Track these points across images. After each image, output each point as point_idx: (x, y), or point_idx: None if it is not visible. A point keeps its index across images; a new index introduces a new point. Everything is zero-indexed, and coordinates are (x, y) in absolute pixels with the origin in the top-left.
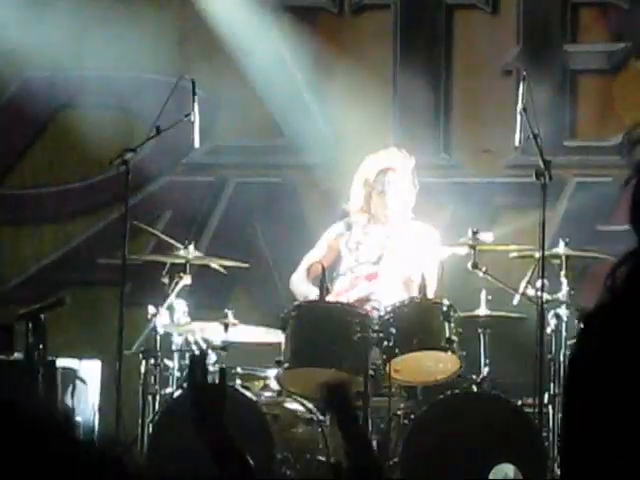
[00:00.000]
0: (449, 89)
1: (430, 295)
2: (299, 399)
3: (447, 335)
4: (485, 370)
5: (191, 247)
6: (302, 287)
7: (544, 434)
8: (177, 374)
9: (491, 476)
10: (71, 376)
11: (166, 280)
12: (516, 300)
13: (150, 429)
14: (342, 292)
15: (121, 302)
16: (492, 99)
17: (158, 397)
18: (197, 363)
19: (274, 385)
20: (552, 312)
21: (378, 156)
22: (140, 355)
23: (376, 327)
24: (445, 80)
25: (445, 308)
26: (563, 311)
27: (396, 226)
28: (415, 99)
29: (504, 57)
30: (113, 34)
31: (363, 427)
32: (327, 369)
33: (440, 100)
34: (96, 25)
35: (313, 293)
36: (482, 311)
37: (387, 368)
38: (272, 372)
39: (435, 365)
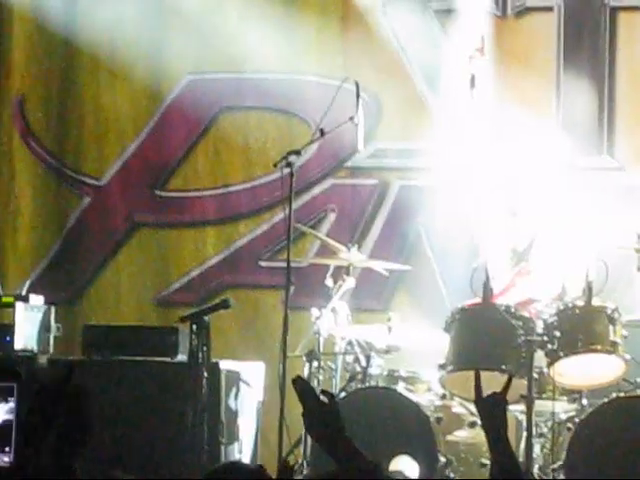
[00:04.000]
0: (612, 90)
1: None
2: (462, 402)
3: (611, 338)
4: None
5: (354, 250)
6: None
7: None
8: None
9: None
10: (235, 378)
11: (330, 283)
12: None
13: None
14: (500, 294)
15: (286, 304)
16: None
17: None
18: (306, 392)
19: (437, 388)
20: None
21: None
22: (303, 357)
23: (540, 330)
24: (609, 81)
25: (609, 311)
26: None
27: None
28: (579, 100)
29: None
30: (276, 36)
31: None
32: (491, 372)
33: (604, 101)
34: (259, 27)
35: None
36: None
37: (551, 371)
38: (435, 375)
39: (600, 368)
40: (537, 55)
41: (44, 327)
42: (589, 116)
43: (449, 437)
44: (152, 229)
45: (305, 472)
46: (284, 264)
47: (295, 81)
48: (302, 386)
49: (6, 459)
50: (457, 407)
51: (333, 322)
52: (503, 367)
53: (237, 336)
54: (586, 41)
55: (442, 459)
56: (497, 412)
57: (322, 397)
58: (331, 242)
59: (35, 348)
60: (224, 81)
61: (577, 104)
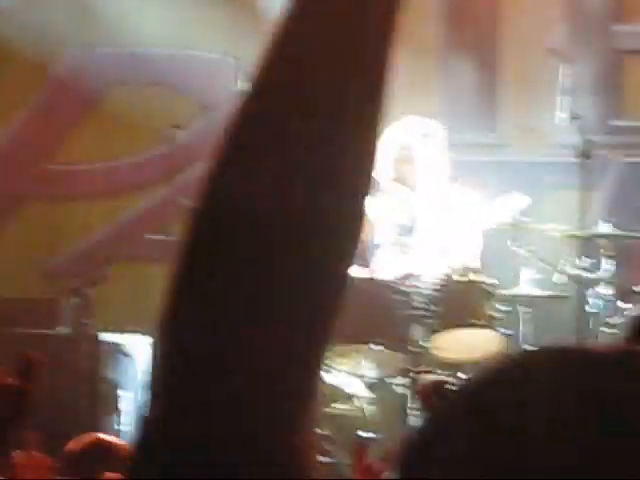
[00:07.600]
0: (495, 68)
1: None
2: (339, 374)
3: (489, 312)
4: (526, 348)
5: None
6: None
7: None
8: None
9: None
10: (114, 350)
11: None
12: (555, 278)
13: None
14: (381, 269)
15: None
16: (538, 78)
17: None
18: None
19: None
20: (591, 290)
21: (400, 127)
22: None
23: (419, 304)
24: (491, 58)
25: (487, 286)
26: (603, 290)
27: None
28: (462, 78)
29: (550, 36)
30: (163, 10)
31: None
32: (367, 344)
33: (486, 78)
34: (149, 2)
35: None
36: (522, 289)
37: (429, 345)
38: None
39: (478, 343)
40: (422, 32)
41: None
42: (473, 94)
43: (326, 410)
44: (39, 202)
45: None
46: (170, 237)
47: (179, 55)
48: None
49: None
50: (334, 379)
51: None
52: (381, 340)
53: (123, 308)
54: (469, 18)
55: (319, 432)
56: None
57: None
58: None
59: None
60: (110, 56)
61: (461, 82)
